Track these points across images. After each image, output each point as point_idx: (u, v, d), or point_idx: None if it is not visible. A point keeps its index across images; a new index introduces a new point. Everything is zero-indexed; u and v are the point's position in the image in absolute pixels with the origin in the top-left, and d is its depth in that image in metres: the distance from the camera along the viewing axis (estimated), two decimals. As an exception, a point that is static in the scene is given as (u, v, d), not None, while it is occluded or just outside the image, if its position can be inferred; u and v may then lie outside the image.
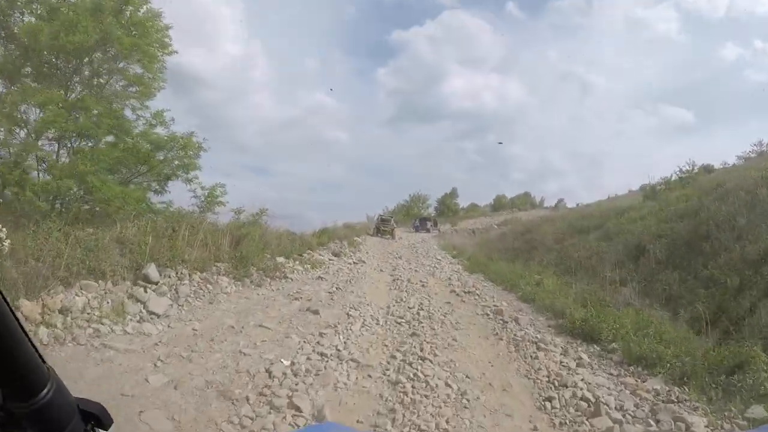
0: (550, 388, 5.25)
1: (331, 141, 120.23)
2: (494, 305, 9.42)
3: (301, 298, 8.78)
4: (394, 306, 8.93)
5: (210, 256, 8.69)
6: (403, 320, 7.83)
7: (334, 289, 9.92)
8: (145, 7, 11.00)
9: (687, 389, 4.91)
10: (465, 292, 10.76)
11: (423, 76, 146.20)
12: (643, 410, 4.64)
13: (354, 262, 15.14)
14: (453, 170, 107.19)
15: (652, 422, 4.40)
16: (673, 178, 19.26)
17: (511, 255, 18.79)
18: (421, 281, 12.22)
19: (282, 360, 5.43)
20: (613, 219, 14.57)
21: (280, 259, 10.67)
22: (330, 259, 14.32)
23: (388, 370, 5.51)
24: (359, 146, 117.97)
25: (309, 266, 11.75)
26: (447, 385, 5.12)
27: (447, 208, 61.05)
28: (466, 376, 5.43)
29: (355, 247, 20.37)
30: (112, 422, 0.79)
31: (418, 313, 8.34)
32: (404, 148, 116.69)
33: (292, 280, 10.28)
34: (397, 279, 12.40)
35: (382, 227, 29.87)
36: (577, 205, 45.72)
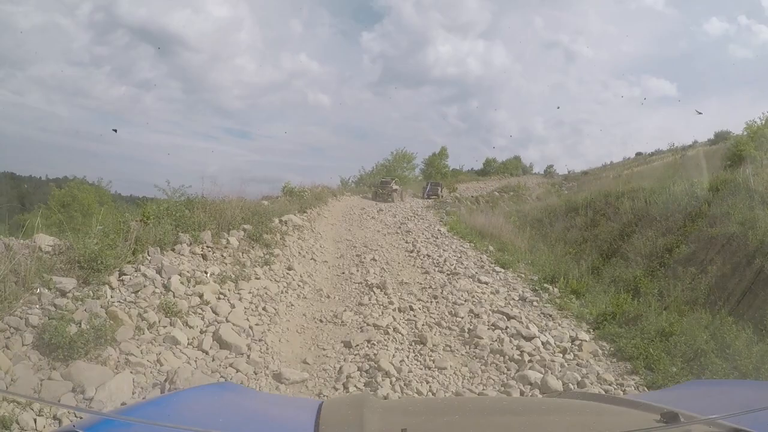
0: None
1: (313, 104, 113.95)
2: None
3: None
4: None
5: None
6: None
7: None
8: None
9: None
10: None
11: (408, 41, 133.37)
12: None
13: None
14: (434, 135, 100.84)
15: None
16: None
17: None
18: None
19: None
20: None
21: None
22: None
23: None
24: (342, 110, 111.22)
25: None
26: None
27: (435, 169, 50.63)
28: None
29: (276, 243, 8.02)
30: None
31: None
32: (387, 113, 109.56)
33: None
34: None
35: (380, 190, 24.61)
36: (569, 172, 41.77)
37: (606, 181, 33.57)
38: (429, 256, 9.88)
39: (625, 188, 12.79)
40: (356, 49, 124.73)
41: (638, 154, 40.56)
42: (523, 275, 8.91)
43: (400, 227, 14.66)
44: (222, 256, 6.49)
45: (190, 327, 4.37)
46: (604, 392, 4.11)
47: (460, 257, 10.08)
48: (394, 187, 24.63)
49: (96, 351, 3.62)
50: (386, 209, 20.08)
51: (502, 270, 9.13)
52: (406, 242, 11.65)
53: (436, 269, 8.62)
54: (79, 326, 3.67)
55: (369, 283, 6.81)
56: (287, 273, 6.85)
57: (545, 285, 8.09)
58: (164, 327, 4.19)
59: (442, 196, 28.32)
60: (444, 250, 10.80)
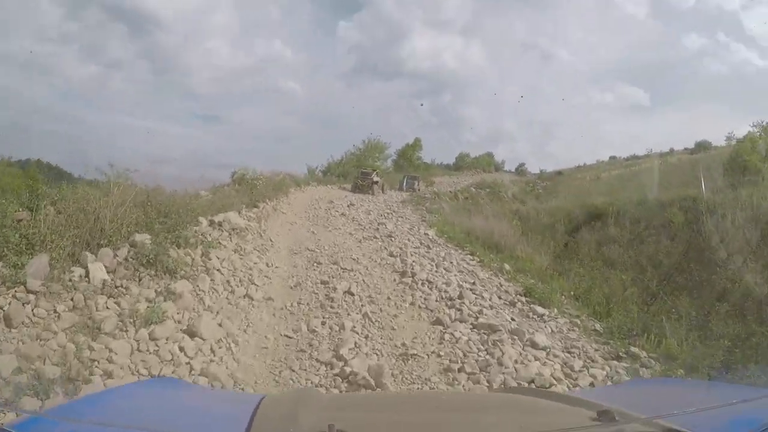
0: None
1: (285, 91, 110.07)
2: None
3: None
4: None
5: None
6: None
7: None
8: None
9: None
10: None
11: (386, 33, 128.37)
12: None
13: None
14: (405, 128, 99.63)
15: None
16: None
17: None
18: None
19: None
20: None
21: None
22: None
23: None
24: (313, 98, 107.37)
25: None
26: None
27: (408, 161, 48.13)
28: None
29: (189, 265, 4.60)
30: None
31: None
32: (359, 103, 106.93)
33: None
34: None
35: (360, 182, 23.75)
36: (542, 171, 41.64)
37: (583, 182, 31.61)
38: (430, 282, 6.64)
39: (674, 195, 9.89)
40: (331, 38, 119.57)
41: (612, 157, 41.46)
42: (578, 322, 5.83)
43: (377, 229, 11.47)
44: (54, 311, 3.03)
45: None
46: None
47: (474, 284, 6.91)
48: (375, 179, 23.30)
49: None
50: (358, 203, 16.82)
51: (545, 310, 6.01)
52: (392, 255, 8.39)
53: (452, 312, 5.39)
54: None
55: (347, 369, 3.44)
56: (179, 348, 3.37)
57: (629, 346, 5.01)
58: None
59: (419, 190, 26.01)
60: (446, 270, 7.61)
